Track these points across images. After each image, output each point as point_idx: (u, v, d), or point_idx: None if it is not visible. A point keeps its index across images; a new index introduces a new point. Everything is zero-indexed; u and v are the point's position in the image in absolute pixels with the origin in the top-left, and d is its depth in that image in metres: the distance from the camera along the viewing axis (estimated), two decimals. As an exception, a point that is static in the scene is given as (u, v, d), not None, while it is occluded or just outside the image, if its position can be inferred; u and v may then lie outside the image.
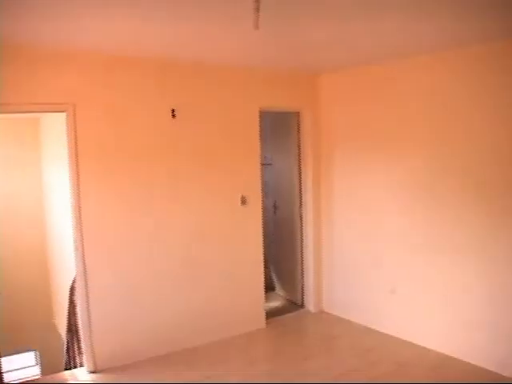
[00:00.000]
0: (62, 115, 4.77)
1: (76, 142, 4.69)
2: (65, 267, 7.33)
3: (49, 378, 5.14)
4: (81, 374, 4.99)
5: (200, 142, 5.42)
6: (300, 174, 6.47)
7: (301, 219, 6.54)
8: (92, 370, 4.91)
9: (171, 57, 5.04)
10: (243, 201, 5.70)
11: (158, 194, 5.19)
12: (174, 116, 5.18)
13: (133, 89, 5.00)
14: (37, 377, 8.41)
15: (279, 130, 6.89)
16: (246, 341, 5.64)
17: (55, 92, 4.61)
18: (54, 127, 7.58)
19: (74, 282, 5.58)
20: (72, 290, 5.88)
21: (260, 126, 5.88)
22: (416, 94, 5.20)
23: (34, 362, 9.15)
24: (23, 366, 8.94)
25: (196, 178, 5.41)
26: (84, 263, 4.79)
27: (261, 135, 5.91)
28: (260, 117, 5.87)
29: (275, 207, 7.10)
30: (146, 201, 5.12)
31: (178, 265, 5.34)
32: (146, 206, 5.12)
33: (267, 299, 6.28)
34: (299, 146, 6.45)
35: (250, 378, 4.69)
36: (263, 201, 6.05)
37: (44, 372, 8.75)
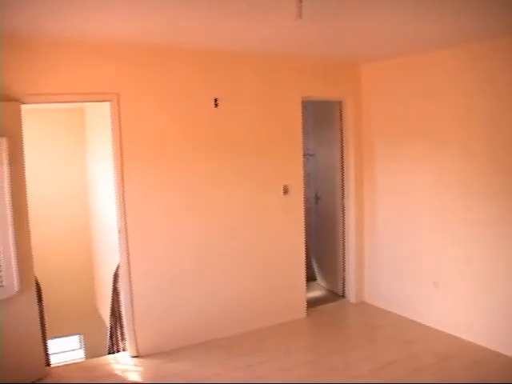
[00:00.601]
0: (107, 104, 4.85)
1: (120, 131, 4.76)
2: (108, 255, 7.47)
3: (93, 362, 5.24)
4: (123, 358, 5.08)
5: (242, 131, 5.42)
6: (342, 164, 6.40)
7: (343, 210, 6.49)
8: (134, 354, 5.00)
9: (214, 46, 5.03)
10: (285, 190, 5.68)
11: (201, 183, 5.22)
12: (216, 105, 5.19)
13: (176, 78, 5.03)
14: (81, 360, 8.61)
15: (321, 120, 6.83)
16: (287, 330, 5.63)
17: (100, 82, 4.69)
18: (99, 117, 7.71)
19: (117, 269, 5.68)
20: (115, 277, 5.99)
21: (302, 116, 5.84)
22: (458, 84, 5.09)
23: (78, 346, 9.39)
24: (68, 349, 9.19)
25: (239, 167, 5.42)
26: (127, 251, 4.87)
27: (303, 126, 5.88)
28: (302, 107, 5.83)
29: (317, 198, 7.06)
30: (188, 189, 5.16)
31: (220, 253, 5.37)
32: (188, 194, 5.16)
33: (308, 289, 6.25)
34: (341, 136, 6.37)
35: (290, 368, 4.70)
36: (305, 191, 6.03)
37: (88, 355, 8.97)
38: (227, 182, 5.37)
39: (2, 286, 4.13)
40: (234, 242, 5.45)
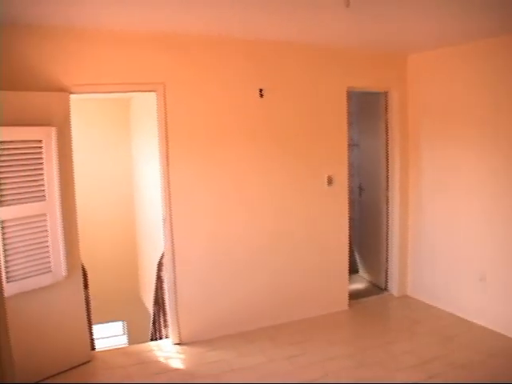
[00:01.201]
0: (152, 95, 4.90)
1: (166, 121, 4.81)
2: (152, 243, 7.57)
3: (136, 347, 5.33)
4: (166, 345, 5.15)
5: (287, 121, 5.41)
6: (387, 155, 6.32)
7: (387, 202, 6.41)
8: (177, 342, 5.07)
9: (261, 36, 5.03)
10: (329, 181, 5.64)
11: (245, 173, 5.24)
12: (261, 96, 5.19)
13: (222, 68, 5.04)
14: (124, 345, 8.76)
15: (366, 110, 6.76)
16: (329, 321, 5.62)
17: (146, 72, 4.76)
18: (144, 107, 7.80)
19: (161, 257, 5.74)
20: (160, 265, 6.06)
21: (347, 107, 5.79)
22: (508, 74, 4.96)
23: (121, 332, 9.56)
24: (111, 335, 9.36)
25: (283, 157, 5.42)
26: (172, 239, 4.94)
27: (348, 116, 5.83)
28: (347, 97, 5.78)
29: (361, 189, 7.01)
30: (232, 179, 5.19)
31: (264, 243, 5.38)
32: (232, 184, 5.19)
33: (350, 281, 6.21)
34: (386, 127, 6.29)
35: (333, 359, 4.69)
36: (349, 182, 5.99)
37: (131, 341, 9.12)
38: (271, 172, 5.37)
39: (51, 272, 4.23)
40: (278, 233, 5.45)
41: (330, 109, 5.65)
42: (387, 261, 6.51)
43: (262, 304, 5.43)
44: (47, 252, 4.19)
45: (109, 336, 9.23)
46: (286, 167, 5.44)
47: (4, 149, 3.85)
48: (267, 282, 5.44)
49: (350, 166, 6.11)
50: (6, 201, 3.86)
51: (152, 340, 6.51)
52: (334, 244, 5.81)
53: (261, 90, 5.19)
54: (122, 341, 9.36)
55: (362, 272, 7.27)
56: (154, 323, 6.60)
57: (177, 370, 4.63)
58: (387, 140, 6.29)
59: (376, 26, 4.65)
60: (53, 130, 4.16)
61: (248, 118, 5.21)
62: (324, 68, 5.58)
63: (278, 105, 5.33)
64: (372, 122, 6.58)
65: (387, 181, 6.36)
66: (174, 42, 4.81)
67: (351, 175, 6.41)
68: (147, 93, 5.12)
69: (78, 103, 4.80)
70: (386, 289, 6.58)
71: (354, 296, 6.27)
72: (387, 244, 6.48)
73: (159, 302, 6.24)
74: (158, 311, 6.28)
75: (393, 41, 5.40)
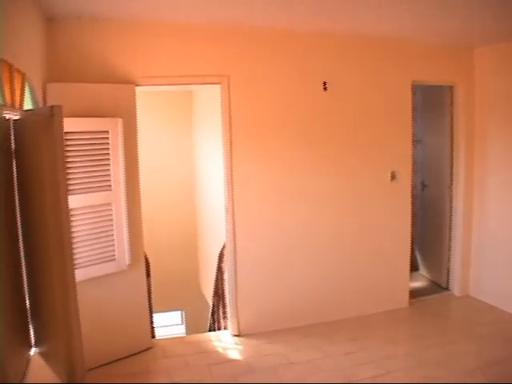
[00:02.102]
0: (217, 87, 4.94)
1: (230, 113, 4.85)
2: (213, 234, 7.65)
3: (194, 337, 5.41)
4: (224, 336, 5.20)
5: (351, 114, 5.36)
6: (451, 151, 6.15)
7: (450, 199, 6.26)
8: (235, 333, 5.12)
9: (324, 29, 5.00)
10: (393, 176, 5.55)
11: (308, 166, 5.23)
12: (325, 89, 5.16)
13: (286, 61, 5.04)
14: (183, 335, 8.90)
15: (430, 104, 6.60)
16: (388, 319, 5.55)
17: (211, 64, 4.81)
18: (207, 99, 7.87)
19: (223, 248, 5.80)
20: (221, 256, 6.11)
21: (411, 101, 5.68)
22: None
23: (180, 321, 9.71)
24: (170, 324, 9.52)
25: (346, 151, 5.37)
26: (234, 231, 4.98)
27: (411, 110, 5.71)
28: (411, 91, 5.67)
29: (423, 185, 6.86)
30: (295, 172, 5.18)
31: (324, 238, 5.36)
32: (294, 177, 5.19)
33: (410, 279, 6.10)
34: (451, 122, 6.12)
35: (391, 357, 4.62)
36: (412, 178, 5.86)
37: (188, 331, 9.26)
38: (333, 166, 5.33)
39: (115, 260, 4.34)
40: (339, 227, 5.42)
41: (394, 103, 5.56)
42: (449, 259, 6.36)
43: (320, 299, 5.41)
44: (112, 241, 4.30)
45: (167, 325, 9.40)
46: (349, 161, 5.39)
47: (73, 139, 3.96)
48: (326, 277, 5.41)
49: (413, 162, 5.98)
50: (74, 190, 3.97)
51: (210, 331, 6.59)
52: (396, 240, 5.72)
53: (324, 84, 5.15)
54: (179, 330, 9.52)
55: (422, 270, 7.13)
56: (212, 314, 6.67)
57: (234, 361, 4.67)
58: (452, 136, 6.13)
59: (441, 18, 4.54)
60: (119, 121, 4.26)
61: (311, 112, 5.19)
62: (388, 61, 5.48)
63: (341, 98, 5.28)
64: (436, 117, 6.43)
65: (451, 177, 6.20)
66: (238, 35, 4.84)
67: (414, 171, 6.29)
68: (211, 85, 5.14)
69: (142, 95, 4.87)
70: (447, 288, 6.42)
71: (414, 294, 6.15)
72: (449, 242, 6.33)
73: (219, 293, 6.30)
74: (218, 302, 6.35)
75: (459, 33, 5.25)
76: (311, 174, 5.24)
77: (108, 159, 4.21)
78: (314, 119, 5.20)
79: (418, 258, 7.19)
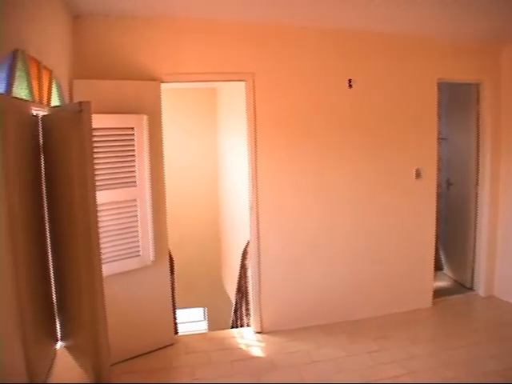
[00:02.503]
0: (241, 85, 4.94)
1: (254, 110, 4.85)
2: (237, 231, 7.66)
3: (217, 334, 5.42)
4: (247, 333, 5.20)
5: (376, 112, 5.32)
6: (477, 150, 6.08)
7: (476, 198, 6.18)
8: (258, 330, 5.12)
9: (350, 26, 4.97)
10: (417, 174, 5.50)
11: (332, 164, 5.20)
12: (350, 86, 5.13)
13: (310, 58, 5.02)
14: (205, 331, 8.93)
15: (456, 102, 6.52)
16: (411, 319, 5.49)
17: (235, 61, 4.81)
18: (231, 96, 7.88)
19: (246, 246, 5.80)
20: (244, 253, 6.12)
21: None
22: None
23: (202, 318, 9.75)
24: (192, 320, 9.57)
25: (370, 149, 5.34)
26: (258, 228, 4.98)
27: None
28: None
29: (448, 184, 6.79)
30: (319, 170, 5.17)
31: (347, 236, 5.34)
32: (319, 175, 5.17)
33: (434, 278, 6.03)
34: (477, 120, 6.04)
35: (413, 358, 4.58)
36: (437, 176, 5.79)
37: (210, 327, 9.29)
38: (357, 164, 5.30)
39: (139, 256, 4.36)
40: (363, 225, 5.39)
41: (420, 100, 5.50)
42: (474, 259, 6.28)
43: (343, 298, 5.39)
44: (136, 237, 4.32)
45: (190, 321, 9.44)
46: (373, 159, 5.35)
47: (99, 135, 3.98)
48: (348, 276, 5.39)
49: (438, 159, 5.92)
50: (100, 186, 4.00)
51: (233, 327, 6.60)
52: (420, 239, 5.66)
53: (350, 81, 5.12)
54: (202, 326, 9.56)
55: (446, 269, 7.06)
56: (235, 311, 6.68)
57: (257, 358, 4.67)
58: (478, 134, 6.05)
59: (468, 16, 4.49)
60: (144, 118, 4.28)
61: (336, 109, 5.16)
62: (414, 59, 5.43)
63: (366, 96, 5.25)
64: (462, 115, 6.35)
65: (477, 176, 6.12)
66: (264, 32, 4.84)
67: (439, 170, 6.22)
68: (235, 83, 5.15)
69: (166, 92, 4.89)
70: (471, 288, 6.35)
71: (438, 294, 6.08)
72: (474, 242, 6.25)
73: (242, 290, 6.31)
74: (241, 299, 6.36)
75: (486, 31, 5.19)
76: (335, 172, 5.22)
77: (133, 155, 4.24)
78: (338, 117, 5.18)
79: (442, 257, 7.12)
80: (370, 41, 5.22)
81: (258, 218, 4.97)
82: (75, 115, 2.24)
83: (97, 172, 3.93)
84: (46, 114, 2.94)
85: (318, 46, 5.04)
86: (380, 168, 5.39)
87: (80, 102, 2.20)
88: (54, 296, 2.91)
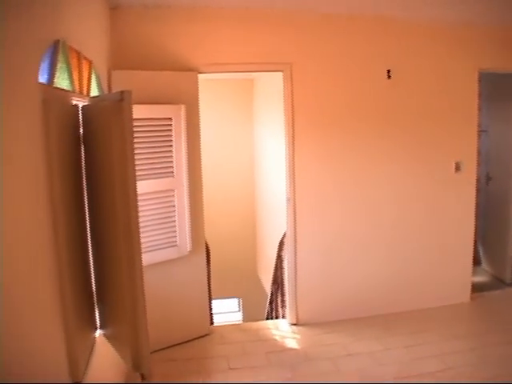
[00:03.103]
0: (279, 75, 4.91)
1: (292, 101, 4.82)
2: (273, 222, 7.65)
3: (252, 325, 5.42)
4: (282, 324, 5.19)
5: (414, 103, 5.22)
6: (519, 143, 5.93)
7: (516, 193, 6.04)
8: (293, 322, 5.11)
9: (388, 14, 4.89)
10: (457, 167, 5.39)
11: (369, 156, 5.14)
12: (389, 77, 5.05)
13: (348, 48, 4.96)
14: (240, 322, 8.96)
15: (497, 93, 6.35)
16: (449, 313, 5.38)
17: (273, 51, 4.78)
18: (268, 87, 7.85)
19: (283, 237, 5.78)
20: (281, 244, 6.10)
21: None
22: None
23: (237, 309, 9.79)
24: (227, 311, 9.61)
25: (408, 140, 5.25)
26: (295, 219, 4.96)
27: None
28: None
29: (488, 178, 6.64)
30: (356, 161, 5.11)
31: (385, 229, 5.27)
32: (356, 166, 5.11)
33: (472, 273, 5.92)
34: (520, 113, 5.89)
35: (450, 353, 4.49)
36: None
37: (245, 318, 9.31)
38: (395, 156, 5.22)
39: (176, 246, 4.39)
40: (400, 218, 5.31)
41: (460, 91, 5.37)
42: (514, 255, 6.15)
43: (378, 291, 5.33)
44: (174, 227, 4.35)
45: (225, 311, 9.49)
46: (411, 151, 5.26)
47: (137, 126, 4.00)
48: (385, 269, 5.32)
49: (478, 153, 5.79)
50: (138, 176, 4.00)
51: (267, 319, 6.60)
52: (459, 233, 5.55)
53: (388, 71, 5.04)
54: (237, 317, 9.60)
55: (485, 264, 6.93)
56: (270, 302, 6.68)
57: (292, 349, 4.66)
58: (520, 126, 5.90)
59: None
60: (182, 108, 4.29)
61: (374, 100, 5.09)
62: (454, 48, 5.29)
63: (405, 86, 5.16)
64: (503, 106, 6.19)
65: (518, 170, 5.97)
66: (300, 22, 4.78)
67: (478, 163, 6.09)
68: (273, 73, 5.13)
69: (203, 83, 4.89)
70: (510, 284, 6.21)
71: (476, 289, 5.95)
72: (515, 237, 6.11)
73: (278, 281, 6.30)
74: (276, 290, 6.35)
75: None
76: (373, 164, 5.15)
77: (171, 146, 4.25)
78: (376, 107, 5.11)
79: (481, 252, 6.98)
80: (409, 30, 5.11)
81: (294, 208, 4.94)
82: (116, 104, 2.25)
83: (136, 162, 3.97)
84: (86, 104, 2.96)
85: (357, 35, 4.97)
86: (419, 160, 5.29)
87: (121, 91, 2.21)
88: (93, 284, 2.94)
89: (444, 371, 4.16)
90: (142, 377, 2.35)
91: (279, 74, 4.90)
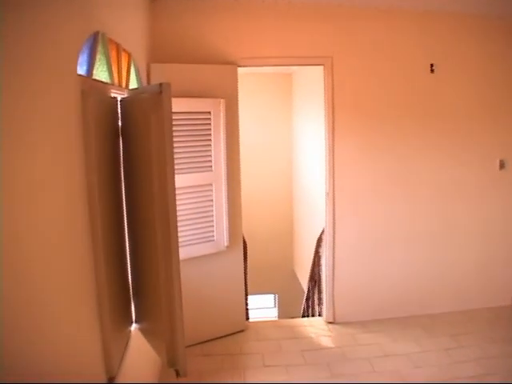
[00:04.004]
0: (319, 69, 4.84)
1: (332, 95, 4.74)
2: (310, 219, 7.59)
3: (288, 322, 5.38)
4: (318, 322, 5.13)
5: (458, 98, 5.07)
6: None
7: None
8: (330, 320, 5.04)
9: (432, 8, 4.76)
10: (501, 165, 5.22)
11: (410, 152, 5.02)
12: (432, 71, 4.92)
13: (390, 41, 4.84)
14: (275, 319, 8.93)
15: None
16: (492, 316, 5.21)
17: (313, 45, 4.72)
18: (307, 81, 7.78)
19: (321, 233, 5.71)
20: (319, 241, 6.04)
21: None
22: None
23: (272, 305, 9.76)
24: (263, 307, 9.59)
25: (451, 137, 5.10)
26: (333, 216, 4.88)
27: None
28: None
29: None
30: (396, 158, 4.99)
31: (427, 228, 5.14)
32: (396, 163, 5.00)
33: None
34: None
35: (493, 358, 4.33)
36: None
37: (281, 315, 9.28)
38: (437, 151, 5.08)
39: (214, 241, 4.36)
40: (442, 217, 5.17)
41: (506, 86, 5.19)
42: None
43: (419, 291, 5.21)
44: (211, 222, 4.32)
45: (260, 307, 9.46)
46: (454, 147, 5.12)
47: (175, 119, 3.98)
48: (427, 268, 5.19)
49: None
50: (177, 169, 3.99)
51: (303, 316, 6.54)
52: (503, 232, 5.37)
53: (432, 65, 4.91)
54: (272, 313, 9.57)
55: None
56: (307, 299, 6.62)
57: (328, 348, 4.59)
58: None
59: None
60: (221, 102, 4.25)
61: (416, 95, 4.96)
62: (501, 42, 5.11)
63: (448, 81, 5.01)
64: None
65: None
66: (341, 15, 4.70)
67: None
68: (312, 67, 5.06)
69: (242, 77, 4.85)
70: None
71: (520, 291, 5.78)
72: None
73: (315, 278, 6.23)
74: (313, 287, 6.29)
75: None
76: (414, 159, 5.03)
77: (209, 140, 4.23)
78: (418, 102, 4.98)
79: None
80: (453, 22, 4.97)
81: (333, 204, 4.86)
82: (155, 96, 2.22)
83: (174, 156, 3.95)
84: (124, 96, 2.95)
85: (399, 28, 4.85)
86: (461, 156, 5.14)
87: (160, 84, 2.17)
88: (129, 278, 2.93)
89: (481, 376, 4.03)
90: (177, 373, 2.32)
91: (319, 68, 4.83)
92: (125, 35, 3.26)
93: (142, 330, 2.91)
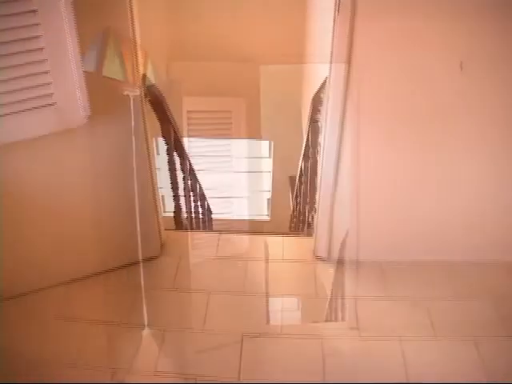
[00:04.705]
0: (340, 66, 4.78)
1: (358, 92, 4.64)
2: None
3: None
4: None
5: (489, 98, 4.89)
6: None
7: None
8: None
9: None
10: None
11: (438, 154, 4.86)
12: (461, 68, 4.77)
13: (413, 37, 4.72)
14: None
15: None
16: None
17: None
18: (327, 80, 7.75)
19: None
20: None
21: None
22: None
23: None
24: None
25: (481, 140, 4.92)
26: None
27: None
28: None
29: None
30: (420, 161, 4.82)
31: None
32: (422, 166, 4.83)
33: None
34: None
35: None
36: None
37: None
38: (469, 156, 4.89)
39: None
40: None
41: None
42: None
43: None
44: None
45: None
46: (484, 155, 4.91)
47: (196, 118, 3.98)
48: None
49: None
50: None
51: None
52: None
53: (461, 63, 4.76)
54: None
55: None
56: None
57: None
58: None
59: None
60: (242, 101, 4.21)
61: (443, 95, 4.80)
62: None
63: (479, 80, 4.84)
64: None
65: None
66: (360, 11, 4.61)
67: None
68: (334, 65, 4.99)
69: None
70: None
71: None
72: None
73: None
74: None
75: None
76: (439, 164, 4.83)
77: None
78: (447, 102, 4.81)
79: None
80: (485, 16, 4.81)
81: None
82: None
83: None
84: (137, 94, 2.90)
85: (427, 19, 4.71)
86: (491, 166, 4.91)
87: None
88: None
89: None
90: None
91: (341, 66, 4.74)
92: (143, 33, 3.23)
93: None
